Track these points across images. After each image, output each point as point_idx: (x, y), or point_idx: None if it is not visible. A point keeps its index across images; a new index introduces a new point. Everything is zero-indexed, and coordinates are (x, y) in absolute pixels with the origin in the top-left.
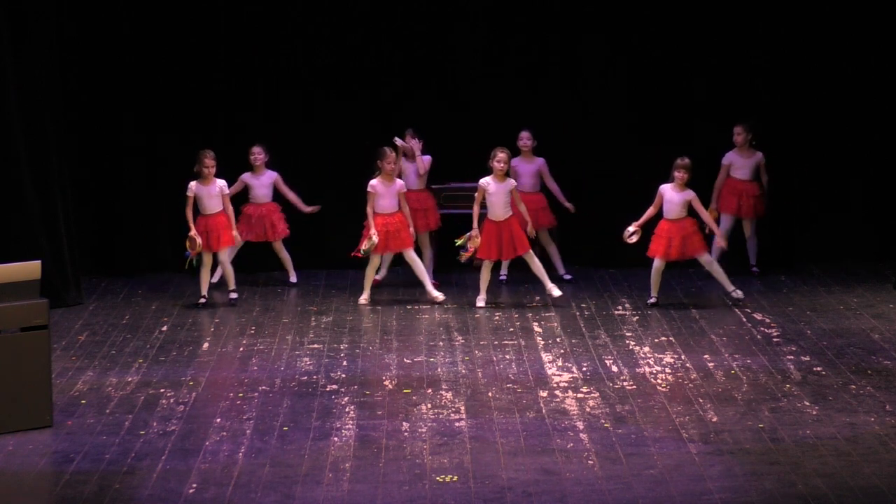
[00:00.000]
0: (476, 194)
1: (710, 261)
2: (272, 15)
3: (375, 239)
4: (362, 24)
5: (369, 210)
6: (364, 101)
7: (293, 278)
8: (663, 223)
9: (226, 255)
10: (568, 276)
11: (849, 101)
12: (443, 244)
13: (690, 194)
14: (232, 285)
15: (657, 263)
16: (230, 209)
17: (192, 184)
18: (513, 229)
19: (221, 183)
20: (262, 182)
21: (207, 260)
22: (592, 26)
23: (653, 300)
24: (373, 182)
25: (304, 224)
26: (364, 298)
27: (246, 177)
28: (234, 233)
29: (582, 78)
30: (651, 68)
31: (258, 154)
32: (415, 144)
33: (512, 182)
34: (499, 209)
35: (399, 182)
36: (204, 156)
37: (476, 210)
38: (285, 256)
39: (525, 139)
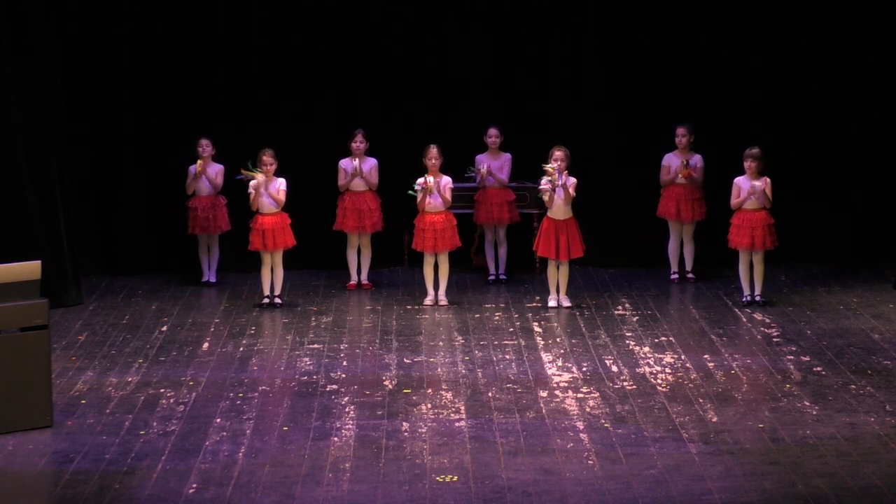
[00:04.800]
0: (543, 196)
1: (760, 259)
2: (272, 14)
3: (431, 181)
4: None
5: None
6: (364, 101)
7: (212, 278)
8: (743, 214)
9: (279, 259)
10: (491, 277)
11: (849, 102)
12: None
13: (766, 182)
14: (278, 290)
15: (743, 258)
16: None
17: (254, 182)
18: (569, 230)
19: (280, 181)
20: (208, 174)
21: (267, 260)
22: (588, 29)
23: (747, 298)
24: (420, 180)
25: (304, 224)
26: (429, 300)
27: (193, 168)
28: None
29: (579, 78)
30: (651, 67)
31: (206, 147)
32: (361, 146)
33: (572, 180)
34: (559, 208)
35: (445, 178)
36: (262, 154)
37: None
38: (215, 253)
39: (493, 136)
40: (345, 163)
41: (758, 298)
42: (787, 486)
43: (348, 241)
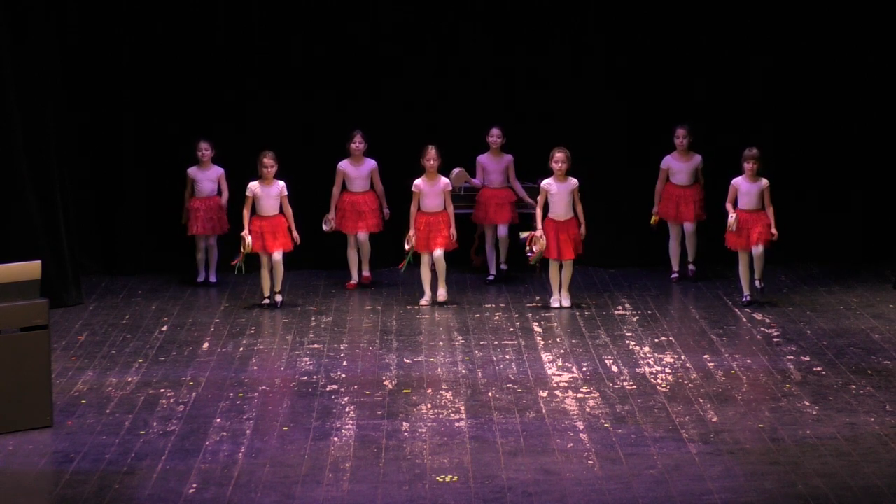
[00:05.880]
0: (539, 197)
1: (760, 254)
2: (272, 14)
3: (412, 241)
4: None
5: (412, 209)
6: (364, 101)
7: (213, 278)
8: (740, 215)
9: (279, 257)
10: (491, 277)
11: (849, 102)
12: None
13: (764, 183)
14: (278, 288)
15: (743, 258)
16: (289, 211)
17: (253, 184)
18: (570, 230)
19: (281, 184)
20: (208, 176)
21: (266, 260)
22: (591, 26)
23: (747, 298)
24: (417, 182)
25: (304, 224)
26: (426, 300)
27: (192, 171)
28: (295, 234)
29: (579, 78)
30: (651, 68)
31: (205, 150)
32: (360, 147)
33: (574, 182)
34: (560, 209)
35: (444, 180)
36: (263, 156)
37: (539, 213)
38: (214, 254)
39: (495, 136)
40: (343, 165)
41: (757, 283)
42: (787, 486)
43: (349, 242)
